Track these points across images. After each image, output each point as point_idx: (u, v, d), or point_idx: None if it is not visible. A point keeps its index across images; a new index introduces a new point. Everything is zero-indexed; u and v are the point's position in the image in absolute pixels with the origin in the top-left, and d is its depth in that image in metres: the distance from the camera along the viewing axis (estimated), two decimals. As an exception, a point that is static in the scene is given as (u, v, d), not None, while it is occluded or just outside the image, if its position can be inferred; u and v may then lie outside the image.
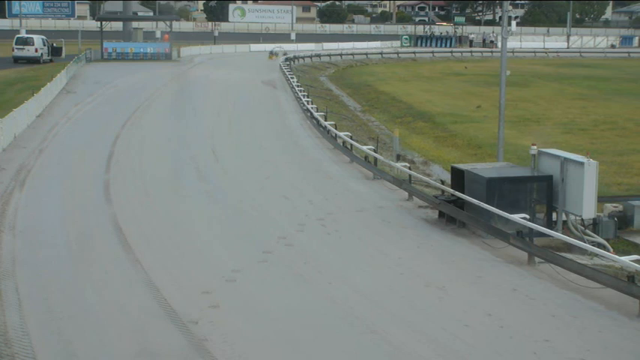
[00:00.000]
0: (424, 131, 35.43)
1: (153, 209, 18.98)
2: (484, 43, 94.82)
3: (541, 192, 18.34)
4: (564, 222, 18.35)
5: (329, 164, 25.19)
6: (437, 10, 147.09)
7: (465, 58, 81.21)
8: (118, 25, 75.95)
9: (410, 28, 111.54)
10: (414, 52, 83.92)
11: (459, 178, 19.45)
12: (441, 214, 18.81)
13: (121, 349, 11.31)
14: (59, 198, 19.84)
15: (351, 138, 27.22)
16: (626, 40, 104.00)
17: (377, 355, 11.30)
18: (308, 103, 35.17)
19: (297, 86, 41.91)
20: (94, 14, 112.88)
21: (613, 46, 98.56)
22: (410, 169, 22.74)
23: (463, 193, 18.63)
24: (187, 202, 19.61)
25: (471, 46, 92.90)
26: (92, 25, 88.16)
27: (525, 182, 18.48)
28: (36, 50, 57.42)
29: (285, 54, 67.96)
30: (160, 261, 15.00)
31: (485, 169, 19.31)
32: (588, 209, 17.62)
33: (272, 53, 69.89)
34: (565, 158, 18.12)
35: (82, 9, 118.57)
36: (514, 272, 15.12)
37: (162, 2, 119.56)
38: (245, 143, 28.26)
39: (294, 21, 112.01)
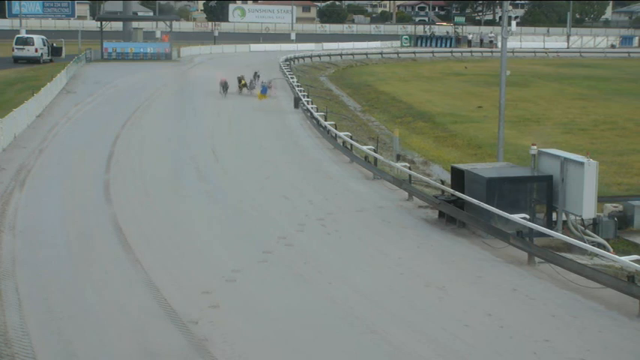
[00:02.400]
0: (424, 131, 35.43)
1: (153, 209, 18.98)
2: (482, 43, 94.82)
3: (541, 192, 18.34)
4: (564, 222, 18.35)
5: (329, 164, 25.19)
6: (437, 10, 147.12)
7: (465, 58, 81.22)
8: (118, 25, 75.98)
9: (410, 28, 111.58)
10: (414, 52, 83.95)
11: (459, 178, 19.45)
12: (441, 214, 18.81)
13: (121, 349, 11.31)
14: (59, 198, 19.83)
15: (351, 138, 27.22)
16: (626, 40, 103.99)
17: (377, 355, 11.30)
18: (308, 103, 35.17)
19: (297, 86, 41.90)
20: (94, 14, 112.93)
21: (613, 46, 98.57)
22: (410, 169, 22.74)
23: (463, 193, 18.63)
24: (187, 202, 19.61)
25: (470, 46, 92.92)
26: (92, 25, 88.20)
27: (525, 182, 18.47)
28: (36, 50, 57.45)
29: (261, 82, 41.55)
30: (159, 261, 14.99)
31: (485, 169, 19.31)
32: (588, 209, 17.62)
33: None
34: (565, 158, 18.11)
35: (82, 9, 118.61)
36: (514, 272, 15.12)
37: (162, 2, 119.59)
38: (245, 143, 28.25)
39: (294, 21, 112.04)
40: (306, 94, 38.58)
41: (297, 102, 37.57)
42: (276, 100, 39.74)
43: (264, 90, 39.47)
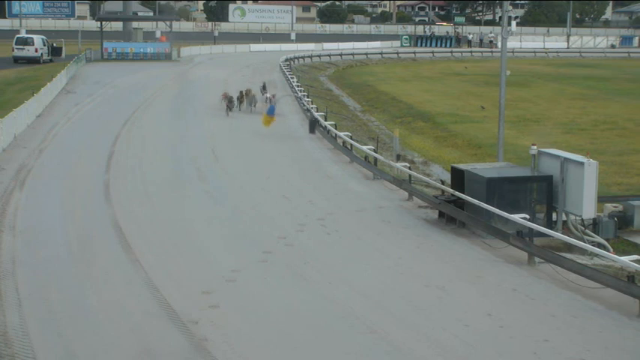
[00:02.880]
0: (424, 131, 35.42)
1: (153, 209, 18.97)
2: (481, 43, 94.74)
3: (541, 192, 18.34)
4: (564, 222, 18.35)
5: (329, 164, 25.19)
6: (437, 10, 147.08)
7: (465, 58, 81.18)
8: (118, 25, 75.98)
9: (410, 28, 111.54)
10: (414, 52, 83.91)
11: (459, 178, 19.45)
12: (441, 214, 18.81)
13: (121, 349, 11.31)
14: (59, 198, 19.83)
15: (351, 138, 27.22)
16: (626, 40, 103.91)
17: (377, 355, 11.30)
18: (308, 103, 35.16)
19: (297, 86, 41.89)
20: (94, 14, 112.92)
21: (613, 46, 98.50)
22: (410, 169, 22.73)
23: (463, 193, 18.63)
24: (187, 202, 19.61)
25: (469, 46, 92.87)
26: (92, 25, 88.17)
27: (525, 182, 18.47)
28: (36, 50, 57.44)
29: (266, 97, 34.46)
30: (159, 261, 14.99)
31: (486, 169, 19.31)
32: (588, 209, 17.62)
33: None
34: (565, 158, 18.11)
35: (82, 9, 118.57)
36: (514, 272, 15.12)
37: (162, 2, 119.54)
38: (244, 143, 28.24)
39: (294, 21, 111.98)
40: (306, 93, 38.53)
41: (313, 125, 30.67)
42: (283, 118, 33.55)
43: (272, 110, 30.04)
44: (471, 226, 17.69)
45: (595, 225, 18.63)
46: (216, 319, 12.21)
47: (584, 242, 16.61)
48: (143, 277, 14.06)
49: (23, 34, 63.69)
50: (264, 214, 18.79)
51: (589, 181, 17.46)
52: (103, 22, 65.94)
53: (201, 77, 50.06)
